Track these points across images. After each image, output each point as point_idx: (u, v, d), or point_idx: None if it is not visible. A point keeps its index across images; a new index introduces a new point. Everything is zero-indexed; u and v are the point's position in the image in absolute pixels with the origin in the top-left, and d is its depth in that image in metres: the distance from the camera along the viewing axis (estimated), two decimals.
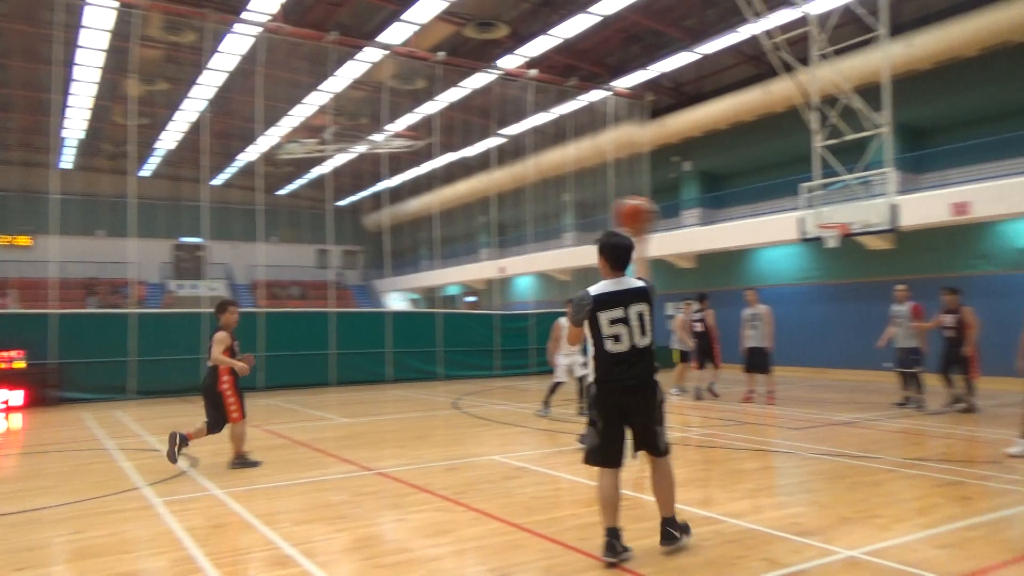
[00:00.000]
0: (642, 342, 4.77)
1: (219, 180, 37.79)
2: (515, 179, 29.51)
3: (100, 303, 32.24)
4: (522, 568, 4.55)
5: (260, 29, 18.68)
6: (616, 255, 4.83)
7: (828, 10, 15.04)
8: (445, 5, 18.73)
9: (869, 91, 14.45)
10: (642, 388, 4.79)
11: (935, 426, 10.26)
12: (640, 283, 4.87)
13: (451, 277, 35.69)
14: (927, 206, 16.70)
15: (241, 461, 7.93)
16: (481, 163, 31.58)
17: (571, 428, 10.61)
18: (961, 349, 11.24)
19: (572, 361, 11.46)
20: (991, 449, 8.51)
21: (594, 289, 4.81)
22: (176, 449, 7.59)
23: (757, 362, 13.05)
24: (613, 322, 4.72)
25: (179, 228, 36.87)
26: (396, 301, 42.64)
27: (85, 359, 15.67)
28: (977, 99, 18.11)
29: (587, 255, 26.63)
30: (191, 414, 13.51)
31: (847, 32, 15.91)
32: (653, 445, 4.84)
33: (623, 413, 4.78)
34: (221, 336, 7.90)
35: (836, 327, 19.50)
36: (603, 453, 4.76)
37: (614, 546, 4.61)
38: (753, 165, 24.11)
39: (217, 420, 7.82)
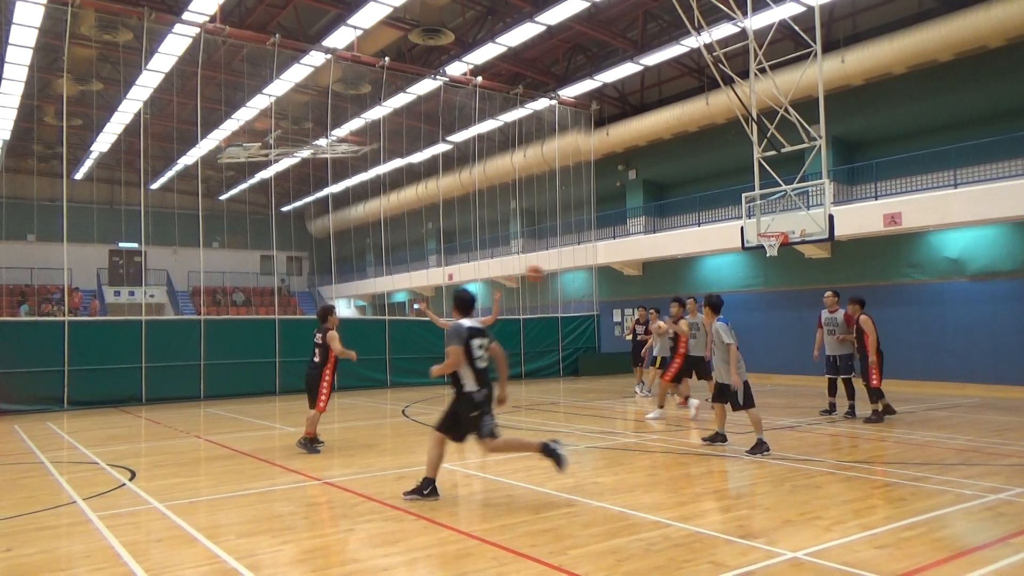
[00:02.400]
0: None
1: (158, 184, 36.76)
2: (462, 185, 29.50)
3: (31, 311, 30.96)
4: None
5: (199, 30, 18.24)
6: (716, 306, 9.00)
7: (766, 26, 15.51)
8: (389, 10, 18.62)
9: (805, 105, 14.94)
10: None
11: (868, 430, 10.61)
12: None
13: (399, 284, 35.40)
14: (861, 216, 17.32)
15: (307, 443, 9.42)
16: (428, 169, 31.46)
17: (521, 434, 10.63)
18: (864, 357, 11.36)
19: None
20: (923, 452, 8.85)
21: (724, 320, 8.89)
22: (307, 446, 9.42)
23: (700, 370, 13.06)
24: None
25: (116, 233, 35.68)
26: (343, 308, 42.08)
27: (16, 369, 15.06)
28: (906, 114, 18.88)
29: (534, 262, 26.79)
30: (128, 425, 13.11)
31: (784, 47, 16.42)
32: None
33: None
34: (335, 334, 9.54)
35: (777, 333, 20.05)
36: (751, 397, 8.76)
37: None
38: (696, 174, 24.62)
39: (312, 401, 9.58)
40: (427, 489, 6.49)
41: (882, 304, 17.60)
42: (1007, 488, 6.62)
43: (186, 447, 10.31)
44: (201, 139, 27.19)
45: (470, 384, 6.41)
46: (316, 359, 9.58)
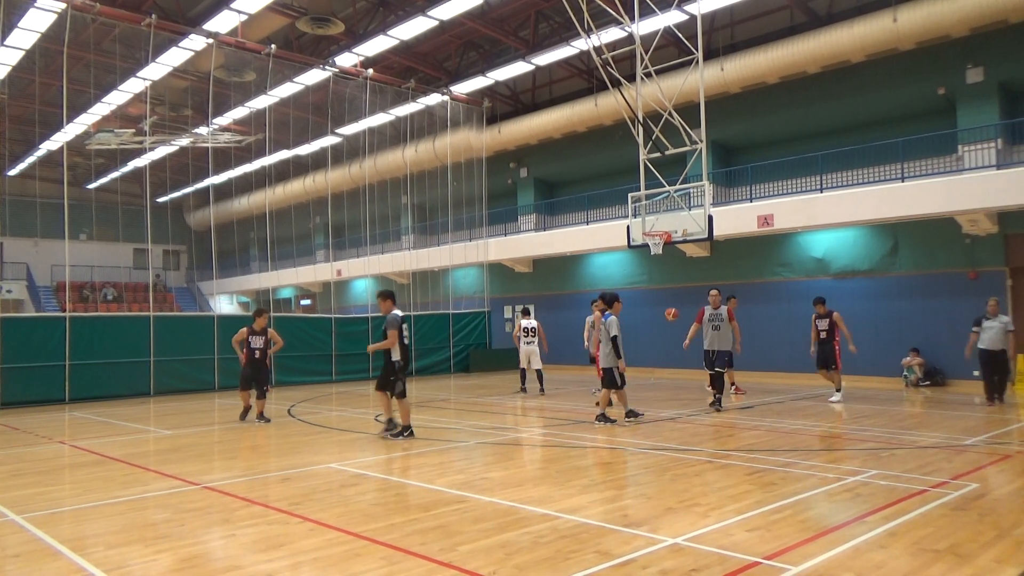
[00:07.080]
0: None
1: (16, 170, 34.01)
2: (352, 179, 28.92)
3: None
4: None
5: (66, 5, 16.97)
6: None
7: (651, 32, 16.06)
8: None
9: (688, 109, 15.58)
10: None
11: (743, 420, 11.22)
12: None
13: (285, 279, 34.29)
14: (737, 217, 18.23)
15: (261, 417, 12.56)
16: (316, 162, 30.65)
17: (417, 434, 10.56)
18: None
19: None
20: (791, 439, 9.43)
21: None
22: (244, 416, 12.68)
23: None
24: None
25: None
26: (224, 304, 40.36)
27: None
28: (778, 122, 20.03)
29: (425, 258, 26.66)
30: None
31: (668, 53, 17.07)
32: None
33: None
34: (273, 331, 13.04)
35: (660, 328, 20.77)
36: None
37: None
38: (585, 174, 25.17)
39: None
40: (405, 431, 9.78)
41: (755, 301, 18.62)
42: (864, 471, 7.17)
43: (48, 454, 9.59)
44: (67, 123, 25.34)
45: (395, 355, 9.49)
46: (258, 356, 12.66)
